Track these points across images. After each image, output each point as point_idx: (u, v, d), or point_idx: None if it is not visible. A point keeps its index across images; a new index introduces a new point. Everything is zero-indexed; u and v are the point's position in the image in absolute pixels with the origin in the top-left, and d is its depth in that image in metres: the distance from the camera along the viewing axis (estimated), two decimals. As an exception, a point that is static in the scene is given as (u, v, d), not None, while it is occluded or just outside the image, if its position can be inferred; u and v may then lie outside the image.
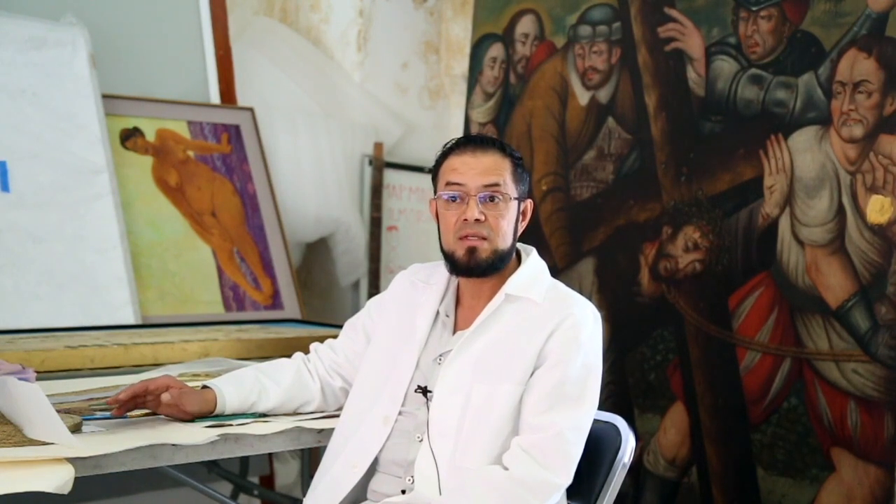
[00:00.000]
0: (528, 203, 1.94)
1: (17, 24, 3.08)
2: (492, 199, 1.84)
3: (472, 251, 1.83)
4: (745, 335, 2.68)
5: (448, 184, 1.87)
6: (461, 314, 1.93)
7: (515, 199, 1.87)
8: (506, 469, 1.74)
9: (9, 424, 1.77)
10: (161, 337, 2.72)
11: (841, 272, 2.51)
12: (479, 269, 1.85)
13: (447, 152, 1.92)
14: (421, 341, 1.91)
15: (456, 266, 1.87)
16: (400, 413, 1.87)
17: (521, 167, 1.91)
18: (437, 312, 1.94)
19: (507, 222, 1.86)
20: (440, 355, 1.88)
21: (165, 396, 1.84)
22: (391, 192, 4.33)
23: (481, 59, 3.45)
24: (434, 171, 1.94)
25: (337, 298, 4.29)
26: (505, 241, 1.86)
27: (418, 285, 2.00)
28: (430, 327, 1.92)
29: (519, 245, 1.95)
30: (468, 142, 1.90)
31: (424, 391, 1.86)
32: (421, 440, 1.82)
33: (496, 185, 1.84)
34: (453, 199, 1.85)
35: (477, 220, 1.82)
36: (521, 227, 1.92)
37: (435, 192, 1.92)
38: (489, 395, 1.80)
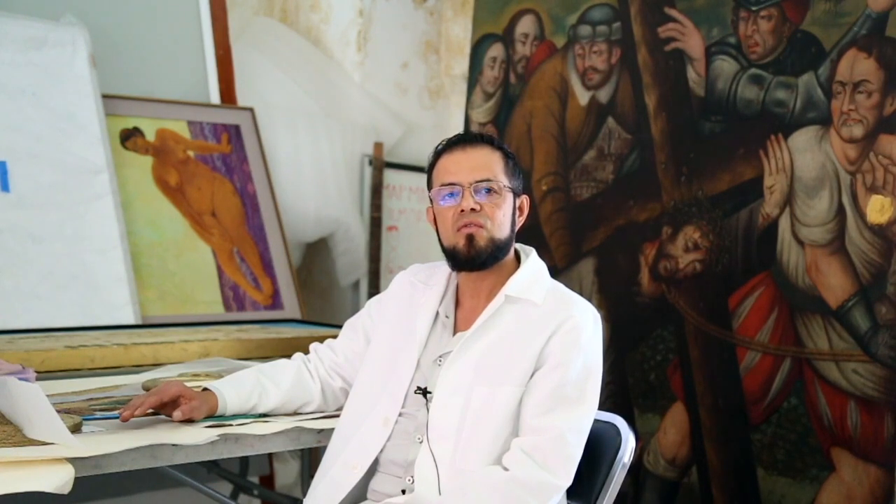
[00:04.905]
0: (524, 199, 1.95)
1: (17, 24, 3.08)
2: (487, 190, 1.85)
3: (470, 239, 1.84)
4: (745, 335, 2.68)
5: (443, 185, 1.88)
6: (461, 315, 1.93)
7: (510, 189, 1.88)
8: (506, 470, 1.74)
9: (9, 424, 1.77)
10: (161, 337, 2.72)
11: (841, 272, 2.51)
12: (479, 258, 1.85)
13: (438, 155, 1.93)
14: (421, 342, 1.91)
15: (457, 259, 1.87)
16: (400, 414, 1.87)
17: (513, 161, 1.92)
18: (437, 313, 1.94)
19: (503, 213, 1.86)
20: (440, 356, 1.88)
21: (177, 415, 1.84)
22: (391, 192, 4.33)
23: (481, 59, 3.45)
24: (428, 176, 1.95)
25: (337, 298, 4.29)
26: (502, 230, 1.86)
27: (418, 286, 2.00)
28: (430, 328, 1.93)
29: (518, 246, 1.95)
30: (457, 141, 1.92)
31: (424, 392, 1.86)
32: (421, 441, 1.82)
33: (488, 178, 1.85)
34: (450, 195, 1.86)
35: (473, 209, 1.83)
36: (519, 221, 1.93)
37: (430, 198, 1.93)
38: (489, 396, 1.80)
